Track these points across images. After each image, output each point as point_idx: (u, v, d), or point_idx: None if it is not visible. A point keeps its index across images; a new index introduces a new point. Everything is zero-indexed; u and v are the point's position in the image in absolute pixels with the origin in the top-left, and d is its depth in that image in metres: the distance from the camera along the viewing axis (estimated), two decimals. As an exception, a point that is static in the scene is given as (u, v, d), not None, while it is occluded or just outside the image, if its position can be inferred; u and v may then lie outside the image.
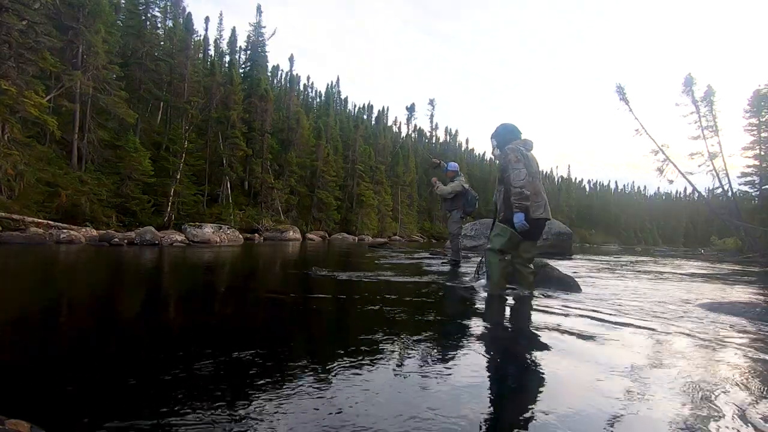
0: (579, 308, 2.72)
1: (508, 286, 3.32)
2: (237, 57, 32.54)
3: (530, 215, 3.05)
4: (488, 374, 1.45)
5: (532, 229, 3.08)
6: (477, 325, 2.25)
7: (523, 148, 3.16)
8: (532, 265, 3.33)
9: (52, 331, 1.89)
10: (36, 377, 1.27)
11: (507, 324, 2.44)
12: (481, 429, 1.01)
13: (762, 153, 22.16)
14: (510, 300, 3.05)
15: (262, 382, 1.25)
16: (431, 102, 59.87)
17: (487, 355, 1.66)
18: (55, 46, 14.40)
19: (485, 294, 3.27)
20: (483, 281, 3.71)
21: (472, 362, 1.54)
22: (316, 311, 2.56)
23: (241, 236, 14.52)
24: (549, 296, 3.21)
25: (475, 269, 4.26)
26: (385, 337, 1.83)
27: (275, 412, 1.05)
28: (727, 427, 1.06)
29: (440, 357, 1.60)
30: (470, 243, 10.40)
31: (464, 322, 2.39)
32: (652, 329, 2.18)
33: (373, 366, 1.44)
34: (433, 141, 60.86)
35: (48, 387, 1.19)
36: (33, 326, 1.96)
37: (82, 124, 16.78)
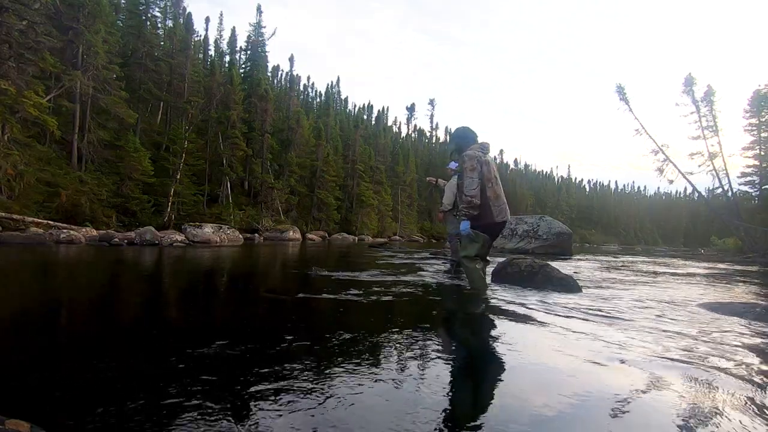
0: (580, 307, 2.72)
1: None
2: (237, 57, 32.53)
3: (495, 220, 3.22)
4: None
5: (496, 231, 3.33)
6: (467, 320, 2.25)
7: (480, 153, 3.28)
8: (486, 264, 3.57)
9: (52, 331, 1.89)
10: (36, 377, 1.27)
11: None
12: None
13: (762, 153, 22.18)
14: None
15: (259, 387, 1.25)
16: (431, 102, 60.13)
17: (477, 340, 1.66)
18: (55, 46, 14.41)
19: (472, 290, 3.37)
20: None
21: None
22: (316, 310, 2.56)
23: (241, 236, 14.52)
24: (551, 296, 3.21)
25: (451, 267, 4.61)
26: (385, 336, 1.83)
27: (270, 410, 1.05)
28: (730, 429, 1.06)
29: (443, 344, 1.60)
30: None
31: (462, 317, 2.39)
32: (651, 329, 2.18)
33: (373, 372, 1.44)
34: (433, 141, 60.81)
35: (48, 387, 1.19)
36: (33, 326, 1.96)
37: (82, 124, 16.78)
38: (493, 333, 2.08)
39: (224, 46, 34.50)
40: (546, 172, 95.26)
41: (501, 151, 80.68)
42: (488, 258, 3.62)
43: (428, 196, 45.67)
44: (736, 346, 1.93)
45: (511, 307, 2.70)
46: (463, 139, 3.47)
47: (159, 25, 26.66)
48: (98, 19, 16.93)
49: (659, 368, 1.53)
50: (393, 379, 1.33)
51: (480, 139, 3.48)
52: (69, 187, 14.52)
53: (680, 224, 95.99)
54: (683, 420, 1.10)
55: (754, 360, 1.71)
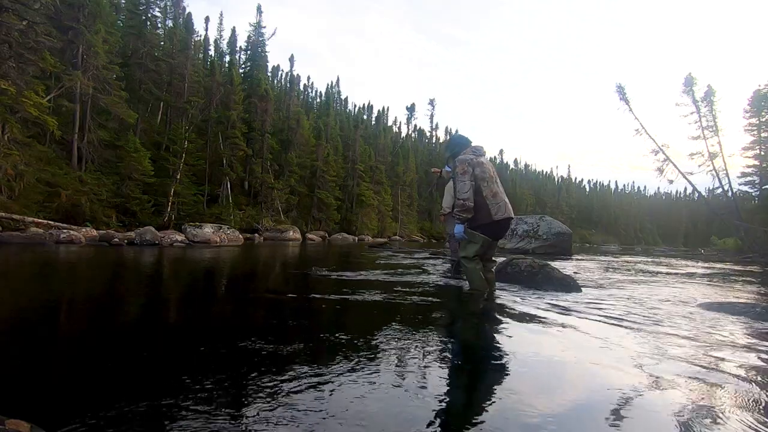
0: (580, 308, 2.72)
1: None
2: (237, 57, 32.46)
3: (493, 218, 3.19)
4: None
5: (498, 230, 3.27)
6: (467, 318, 2.25)
7: (473, 156, 3.31)
8: (492, 266, 3.51)
9: (53, 331, 1.89)
10: (37, 377, 1.27)
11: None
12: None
13: (762, 153, 22.20)
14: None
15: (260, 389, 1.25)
16: (431, 102, 59.94)
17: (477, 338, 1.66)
18: (55, 46, 14.37)
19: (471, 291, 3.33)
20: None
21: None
22: (316, 310, 2.56)
23: (241, 236, 14.52)
24: (551, 296, 3.21)
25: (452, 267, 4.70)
26: (386, 336, 1.83)
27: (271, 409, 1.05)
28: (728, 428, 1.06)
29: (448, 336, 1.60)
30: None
31: (463, 317, 2.39)
32: (652, 328, 2.18)
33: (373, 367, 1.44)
34: (434, 141, 60.75)
35: (48, 387, 1.19)
36: (34, 326, 1.96)
37: (82, 124, 16.76)
38: (493, 333, 2.08)
39: (224, 46, 34.48)
40: (546, 172, 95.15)
41: (501, 151, 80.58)
42: (493, 258, 3.60)
43: (428, 196, 45.62)
44: (736, 346, 1.93)
45: (511, 307, 2.70)
46: (457, 145, 3.56)
47: (159, 25, 26.62)
48: (98, 19, 16.90)
49: (659, 369, 1.53)
50: (394, 379, 1.33)
51: (476, 143, 3.53)
52: (69, 187, 14.51)
53: (680, 224, 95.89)
54: (683, 422, 1.10)
55: (754, 360, 1.71)
